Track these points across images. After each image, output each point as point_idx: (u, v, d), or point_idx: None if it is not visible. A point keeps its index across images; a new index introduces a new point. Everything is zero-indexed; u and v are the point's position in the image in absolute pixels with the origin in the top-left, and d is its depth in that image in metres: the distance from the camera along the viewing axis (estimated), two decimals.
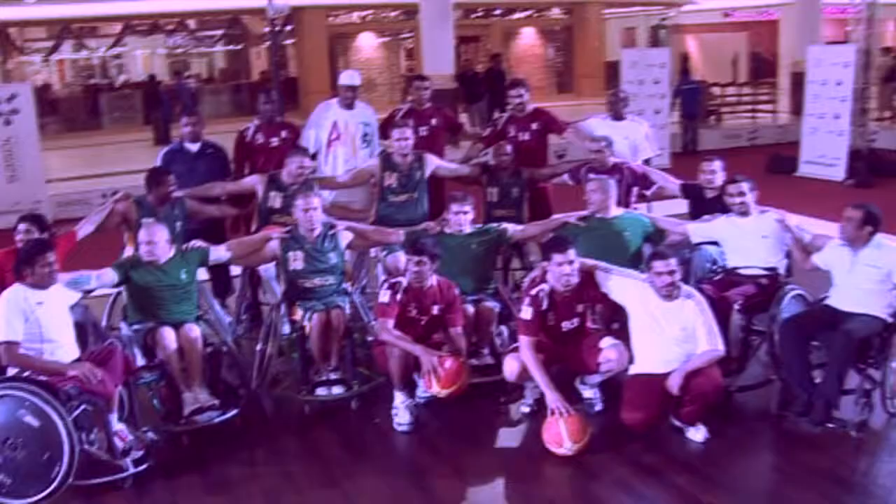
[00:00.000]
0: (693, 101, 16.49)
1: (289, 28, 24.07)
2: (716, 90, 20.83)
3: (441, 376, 5.15)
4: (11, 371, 4.66)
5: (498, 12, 27.54)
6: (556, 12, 28.55)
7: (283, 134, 7.18)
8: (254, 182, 6.65)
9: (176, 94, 20.38)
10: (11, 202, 11.86)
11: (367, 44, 26.43)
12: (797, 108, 15.46)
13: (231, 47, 28.69)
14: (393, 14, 26.14)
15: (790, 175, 13.80)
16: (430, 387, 5.22)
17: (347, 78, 7.36)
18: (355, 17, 26.01)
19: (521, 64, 27.66)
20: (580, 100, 24.58)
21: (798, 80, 15.90)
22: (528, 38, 28.48)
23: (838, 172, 13.30)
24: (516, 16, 28.15)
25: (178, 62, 28.55)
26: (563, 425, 4.77)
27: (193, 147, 6.88)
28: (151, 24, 25.00)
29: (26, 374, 4.62)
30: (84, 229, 6.11)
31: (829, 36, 22.59)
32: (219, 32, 27.42)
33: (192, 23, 26.08)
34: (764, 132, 17.88)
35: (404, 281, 5.43)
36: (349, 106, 7.25)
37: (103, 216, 6.26)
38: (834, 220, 5.47)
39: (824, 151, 13.67)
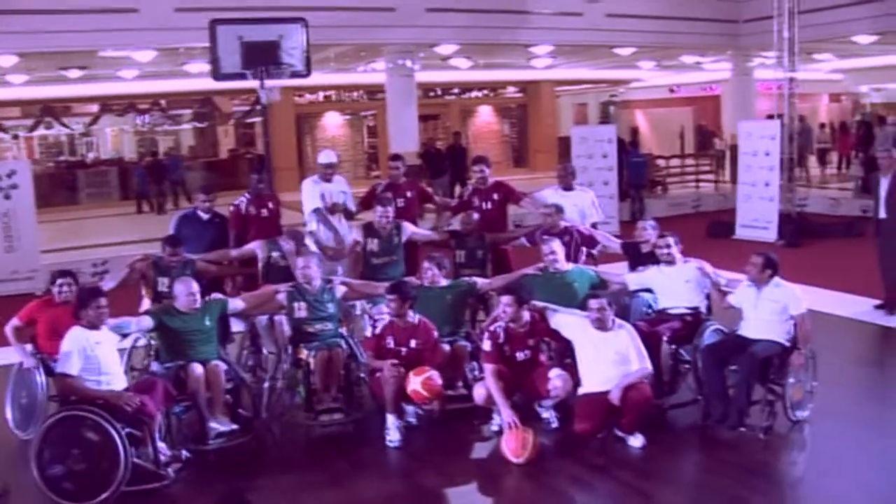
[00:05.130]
0: (639, 173, 17.75)
1: (258, 107, 25.11)
2: (661, 162, 22.22)
3: (422, 380, 6.18)
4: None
5: (456, 91, 28.96)
6: (510, 91, 30.03)
7: (270, 205, 8.39)
8: (254, 247, 7.79)
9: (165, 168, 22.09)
10: (9, 271, 12.66)
11: (332, 122, 27.71)
12: (735, 178, 16.81)
13: (198, 124, 29.58)
14: (356, 94, 27.39)
15: (728, 238, 15.09)
16: (409, 383, 6.22)
17: (325, 157, 8.54)
18: (320, 96, 27.25)
19: (478, 140, 28.98)
20: (535, 173, 25.86)
21: (735, 152, 17.27)
22: (485, 115, 29.91)
23: (771, 234, 14.64)
24: (473, 94, 29.57)
25: (145, 140, 29.50)
26: (512, 441, 5.83)
27: (205, 216, 8.06)
28: (127, 104, 26.00)
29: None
30: (107, 284, 7.18)
31: (766, 110, 24.14)
32: (189, 112, 28.48)
33: (163, 102, 27.10)
34: (706, 200, 19.26)
35: (386, 318, 6.53)
36: (328, 179, 8.40)
37: (125, 274, 7.33)
38: None
39: (757, 216, 15.06)
